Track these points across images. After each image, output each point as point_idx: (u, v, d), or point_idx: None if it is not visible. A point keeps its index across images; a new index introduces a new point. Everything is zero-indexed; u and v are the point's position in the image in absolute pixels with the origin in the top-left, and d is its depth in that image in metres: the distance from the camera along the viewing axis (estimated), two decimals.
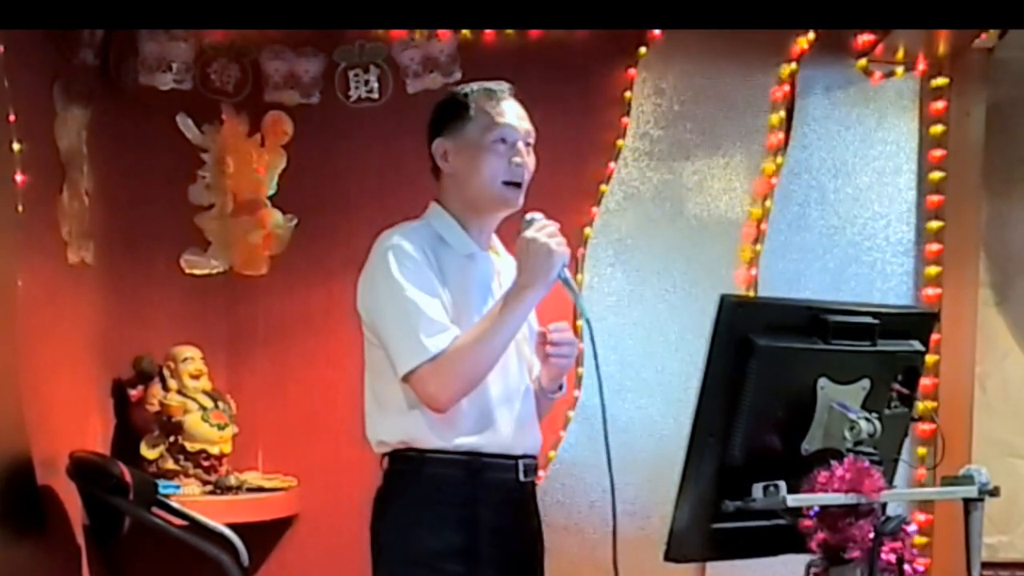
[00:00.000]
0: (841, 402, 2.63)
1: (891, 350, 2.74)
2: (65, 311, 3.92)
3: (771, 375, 2.56)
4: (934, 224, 4.63)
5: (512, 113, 2.99)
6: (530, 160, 3.00)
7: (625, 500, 4.36)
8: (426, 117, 3.09)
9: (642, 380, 4.61)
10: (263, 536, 4.46)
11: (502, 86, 3.03)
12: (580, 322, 4.46)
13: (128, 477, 3.62)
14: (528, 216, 2.91)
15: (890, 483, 2.70)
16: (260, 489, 4.47)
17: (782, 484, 2.50)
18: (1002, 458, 4.60)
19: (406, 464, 2.97)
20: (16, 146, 3.45)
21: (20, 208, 3.46)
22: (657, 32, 4.58)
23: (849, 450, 2.58)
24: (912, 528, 2.61)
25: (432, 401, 2.86)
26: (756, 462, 2.58)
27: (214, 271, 4.70)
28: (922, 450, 4.44)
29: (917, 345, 2.81)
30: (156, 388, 4.38)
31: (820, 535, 2.54)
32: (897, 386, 2.75)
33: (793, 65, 4.62)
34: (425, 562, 2.92)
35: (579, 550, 4.26)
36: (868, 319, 2.69)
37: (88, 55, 4.16)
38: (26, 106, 3.53)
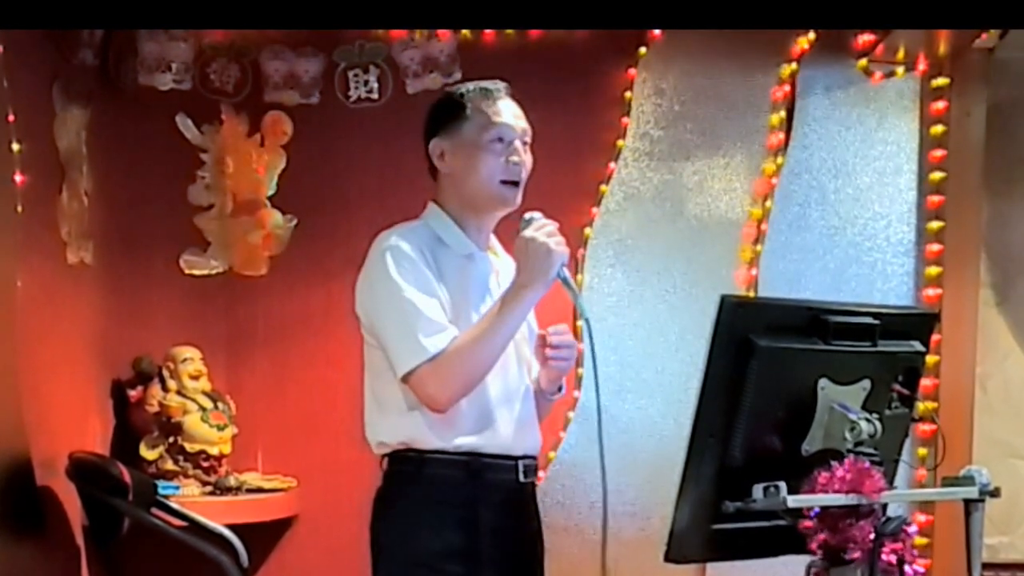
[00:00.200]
0: (842, 403, 2.63)
1: (892, 351, 2.74)
2: (64, 311, 3.92)
3: (771, 376, 2.56)
4: (935, 224, 4.63)
5: (508, 112, 2.99)
6: (527, 158, 3.00)
7: (625, 501, 4.40)
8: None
9: (642, 381, 4.61)
10: (263, 537, 4.46)
11: (498, 85, 3.03)
12: (580, 322, 4.47)
13: (127, 478, 3.62)
14: (527, 215, 2.91)
15: (891, 484, 2.70)
16: (260, 490, 4.46)
17: (782, 485, 2.50)
18: (1003, 459, 4.59)
19: (406, 465, 2.96)
20: (15, 146, 3.45)
21: (19, 208, 3.46)
22: (657, 32, 4.58)
23: (849, 451, 2.58)
24: (913, 529, 2.61)
25: (431, 401, 2.86)
26: (756, 463, 2.58)
27: (213, 271, 4.70)
28: (923, 451, 4.45)
29: (918, 346, 2.81)
30: (155, 389, 4.38)
31: (820, 536, 2.54)
32: (898, 387, 2.75)
33: (793, 65, 4.61)
34: (425, 563, 2.91)
35: (579, 551, 4.25)
36: (869, 319, 2.69)
37: (87, 55, 4.16)
38: (25, 106, 3.52)
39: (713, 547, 2.66)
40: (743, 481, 2.54)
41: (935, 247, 4.63)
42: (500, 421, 2.97)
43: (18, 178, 3.47)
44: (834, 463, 2.56)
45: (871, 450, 2.59)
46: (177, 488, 4.24)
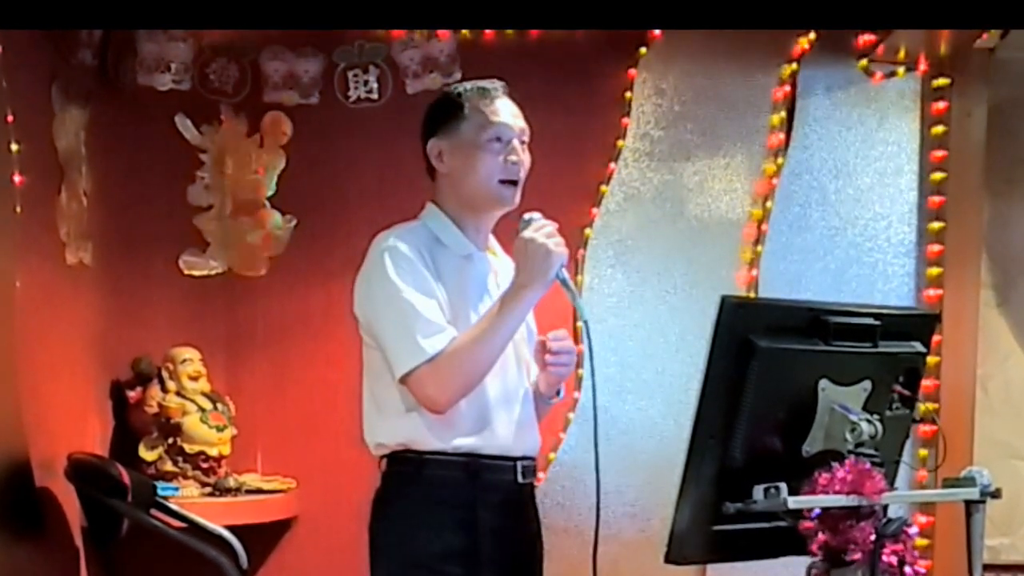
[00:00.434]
0: (842, 404, 2.62)
1: (892, 351, 2.73)
2: (63, 312, 3.92)
3: (772, 376, 2.56)
4: (935, 225, 4.63)
5: (506, 111, 2.98)
6: (525, 158, 2.99)
7: (626, 502, 4.39)
8: None
9: (642, 381, 4.60)
10: (262, 538, 4.45)
11: (495, 84, 3.02)
12: (579, 323, 4.46)
13: (126, 479, 3.62)
14: (526, 216, 2.90)
15: (891, 485, 2.70)
16: (259, 491, 4.46)
17: (783, 486, 2.50)
18: (1004, 460, 4.58)
19: (404, 466, 2.96)
20: (14, 146, 3.45)
21: (18, 209, 3.46)
22: (657, 32, 4.57)
23: (850, 452, 2.58)
24: (913, 530, 2.61)
25: (430, 403, 2.85)
26: (757, 464, 2.58)
27: (213, 272, 4.69)
28: (923, 452, 4.45)
29: (918, 346, 2.81)
30: (155, 390, 4.37)
31: (821, 537, 2.54)
32: (898, 387, 2.75)
33: (794, 65, 4.61)
34: (424, 564, 2.91)
35: (579, 552, 4.18)
36: (869, 320, 2.69)
37: (86, 55, 4.15)
38: (24, 106, 3.52)
39: (713, 548, 2.66)
40: (743, 482, 2.54)
41: (936, 248, 4.62)
42: (498, 422, 2.96)
43: (17, 178, 3.46)
44: (835, 464, 2.55)
45: (872, 451, 2.59)
46: (176, 489, 4.23)
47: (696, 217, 4.67)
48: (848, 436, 2.58)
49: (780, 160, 4.62)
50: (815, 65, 4.63)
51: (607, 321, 4.56)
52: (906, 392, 2.76)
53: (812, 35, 4.54)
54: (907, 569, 2.55)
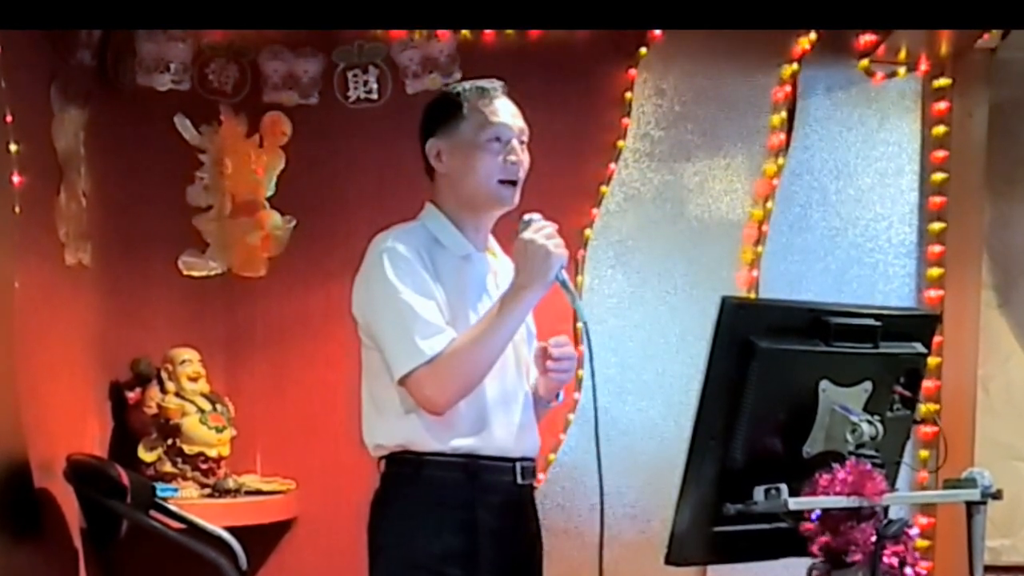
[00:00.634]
0: (843, 404, 2.62)
1: (893, 352, 2.73)
2: (62, 313, 3.91)
3: (772, 377, 2.56)
4: (936, 226, 4.62)
5: (506, 111, 2.98)
6: (525, 158, 2.99)
7: (626, 503, 4.39)
8: None
9: (643, 382, 4.60)
10: (261, 539, 4.44)
11: (495, 84, 3.02)
12: (579, 324, 4.46)
13: (126, 480, 3.62)
14: (526, 217, 2.90)
15: (892, 486, 2.70)
16: (258, 492, 4.45)
17: (783, 487, 2.50)
18: (1005, 461, 4.57)
19: (403, 467, 2.95)
20: (13, 147, 3.44)
21: (17, 209, 3.45)
22: (658, 32, 4.57)
23: (851, 453, 2.58)
24: (914, 531, 2.60)
25: (429, 404, 2.85)
26: (757, 465, 2.58)
27: (212, 273, 4.68)
28: (924, 453, 4.45)
29: (919, 347, 2.81)
30: (154, 390, 4.36)
31: (822, 538, 2.54)
32: (899, 388, 2.75)
33: (794, 66, 4.61)
34: (423, 565, 2.90)
35: (579, 554, 4.22)
36: (870, 321, 2.69)
37: (85, 55, 4.15)
38: (23, 107, 3.52)
39: (714, 549, 2.66)
40: (744, 483, 2.54)
41: (937, 248, 4.62)
42: (497, 423, 2.96)
43: (16, 179, 3.45)
44: (835, 465, 2.55)
45: (872, 452, 2.59)
46: (175, 490, 4.22)
47: (696, 218, 4.67)
48: (849, 437, 2.58)
49: (781, 160, 4.61)
50: (816, 65, 4.63)
51: (607, 322, 4.55)
52: (907, 393, 2.76)
53: (813, 35, 4.54)
54: (908, 570, 2.55)
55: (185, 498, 4.20)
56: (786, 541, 2.62)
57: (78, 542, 3.78)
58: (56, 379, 3.80)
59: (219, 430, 4.38)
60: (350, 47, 4.65)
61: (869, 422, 2.59)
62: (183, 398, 4.36)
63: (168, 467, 4.33)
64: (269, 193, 4.69)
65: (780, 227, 4.63)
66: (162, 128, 4.56)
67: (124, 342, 4.42)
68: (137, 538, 3.64)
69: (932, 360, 4.09)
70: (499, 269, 3.05)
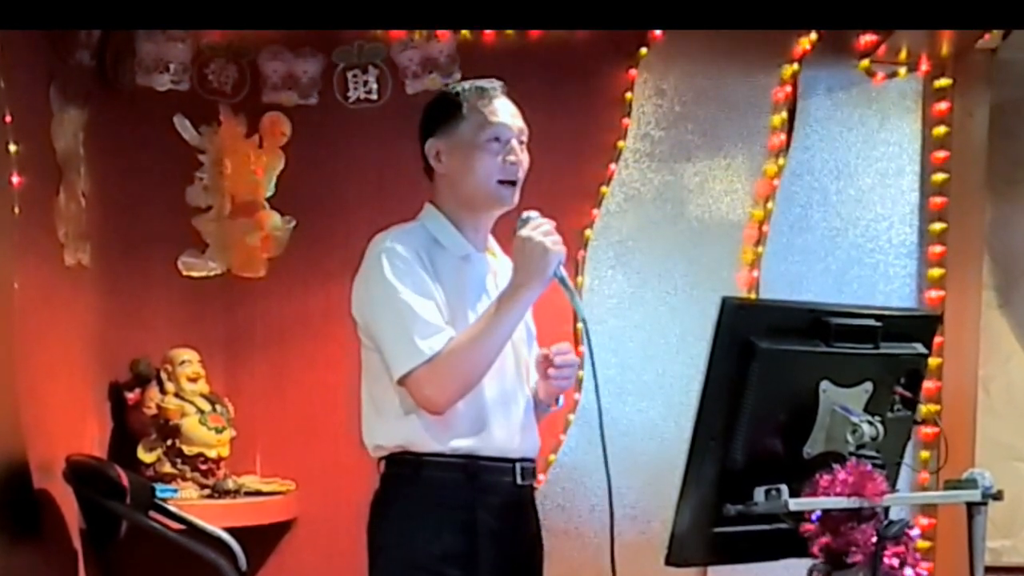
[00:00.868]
0: (843, 405, 2.62)
1: (894, 353, 2.73)
2: (62, 314, 3.91)
3: (773, 378, 2.56)
4: (937, 226, 4.62)
5: (505, 111, 2.97)
6: (524, 158, 2.99)
7: (626, 504, 4.38)
8: None
9: (643, 383, 4.60)
10: (261, 540, 4.44)
11: (494, 84, 3.02)
12: (580, 324, 4.45)
13: (125, 481, 3.62)
14: (524, 215, 2.90)
15: (893, 487, 2.69)
16: (258, 493, 4.44)
17: (784, 488, 2.50)
18: (1006, 461, 4.57)
19: (403, 468, 2.95)
20: (12, 147, 3.44)
21: (16, 210, 3.45)
22: (658, 32, 4.57)
23: (851, 453, 2.58)
24: (915, 532, 2.60)
25: (429, 403, 2.84)
26: (758, 465, 2.57)
27: (212, 273, 4.68)
28: (925, 454, 4.44)
29: (920, 348, 2.80)
30: (153, 391, 4.36)
31: (822, 539, 2.54)
32: (900, 389, 2.75)
33: (795, 66, 4.60)
34: (423, 566, 2.90)
35: (579, 555, 4.24)
36: (870, 321, 2.68)
37: (85, 56, 4.15)
38: (22, 107, 3.51)
39: (714, 550, 2.66)
40: (744, 484, 2.54)
41: (937, 249, 4.62)
42: (497, 423, 2.95)
43: (15, 179, 3.45)
44: (836, 466, 2.55)
45: (873, 453, 2.59)
46: (175, 491, 4.21)
47: (697, 218, 4.66)
48: (849, 438, 2.58)
49: (781, 161, 4.61)
50: (816, 66, 4.63)
51: (607, 322, 4.55)
52: (907, 394, 2.76)
53: (813, 35, 4.54)
54: (908, 571, 2.54)
55: (185, 499, 4.19)
56: (786, 542, 2.62)
57: (77, 543, 3.78)
58: (55, 380, 3.80)
59: (219, 431, 4.37)
60: (350, 47, 4.64)
61: (870, 423, 2.59)
62: (183, 399, 4.35)
63: (167, 468, 4.32)
64: (269, 194, 4.69)
65: (780, 227, 4.63)
66: (161, 128, 4.55)
67: (123, 343, 4.42)
68: (136, 539, 3.64)
69: (933, 361, 4.09)
70: (499, 269, 3.05)
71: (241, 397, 4.58)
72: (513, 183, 2.96)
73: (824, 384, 2.61)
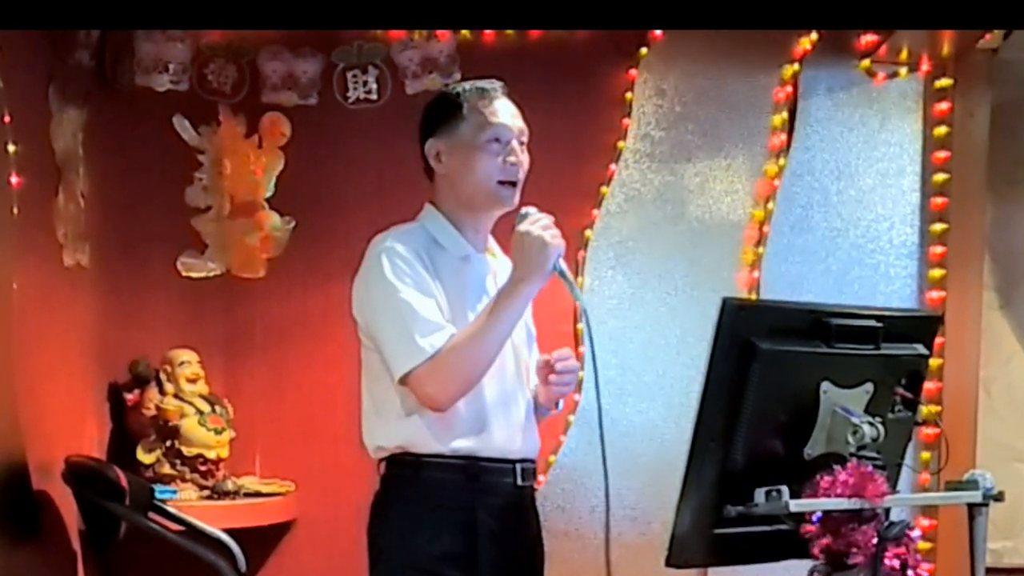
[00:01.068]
0: (844, 406, 2.62)
1: (895, 354, 2.73)
2: (61, 314, 3.90)
3: (773, 379, 2.55)
4: (938, 226, 4.61)
5: (506, 112, 2.97)
6: (524, 159, 2.98)
7: (626, 505, 4.38)
8: None
9: (643, 384, 4.59)
10: (260, 541, 4.43)
11: (494, 84, 3.01)
12: (580, 325, 4.45)
13: (124, 482, 3.61)
14: (522, 210, 2.90)
15: (893, 488, 2.70)
16: (257, 494, 4.44)
17: (784, 489, 2.50)
18: (1007, 462, 4.57)
19: (403, 469, 2.95)
20: (11, 148, 3.44)
21: (15, 210, 3.45)
22: (658, 32, 4.56)
23: (852, 454, 2.58)
24: (916, 533, 2.60)
25: (431, 401, 2.84)
26: (758, 466, 2.57)
27: (211, 274, 4.67)
28: (926, 455, 4.44)
29: (921, 349, 2.80)
30: (152, 392, 4.35)
31: (823, 540, 2.54)
32: (901, 390, 2.75)
33: (796, 66, 4.60)
34: (423, 567, 2.89)
35: (579, 556, 4.23)
36: (871, 322, 2.68)
37: (84, 56, 4.14)
38: (21, 107, 3.51)
39: (715, 551, 2.66)
40: (745, 485, 2.54)
41: (938, 249, 4.61)
42: (497, 424, 2.95)
43: (14, 180, 3.45)
44: (836, 467, 2.55)
45: (874, 454, 2.59)
46: (174, 492, 4.21)
47: (697, 218, 4.66)
48: (850, 439, 2.58)
49: (782, 161, 4.61)
50: (817, 66, 4.62)
51: (607, 323, 4.54)
52: (908, 394, 2.76)
53: (814, 35, 4.53)
54: (909, 573, 2.54)
55: (184, 500, 4.18)
56: (787, 543, 2.61)
57: (76, 544, 3.77)
58: (54, 380, 3.79)
59: (218, 432, 4.37)
60: (349, 47, 4.63)
61: (870, 424, 2.58)
62: (182, 399, 4.35)
63: (167, 469, 4.31)
64: (268, 194, 4.68)
65: (781, 228, 4.62)
66: (161, 129, 4.54)
67: (123, 343, 4.41)
68: (136, 540, 3.63)
69: (933, 361, 4.09)
70: (498, 270, 3.04)
71: (240, 398, 4.58)
72: (513, 184, 2.95)
73: (825, 385, 2.61)
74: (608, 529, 2.83)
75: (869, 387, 2.67)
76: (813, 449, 2.62)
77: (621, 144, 4.62)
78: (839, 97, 4.66)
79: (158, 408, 4.32)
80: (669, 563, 2.58)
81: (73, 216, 4.00)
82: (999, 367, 4.73)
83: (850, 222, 4.67)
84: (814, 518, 2.53)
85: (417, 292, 2.85)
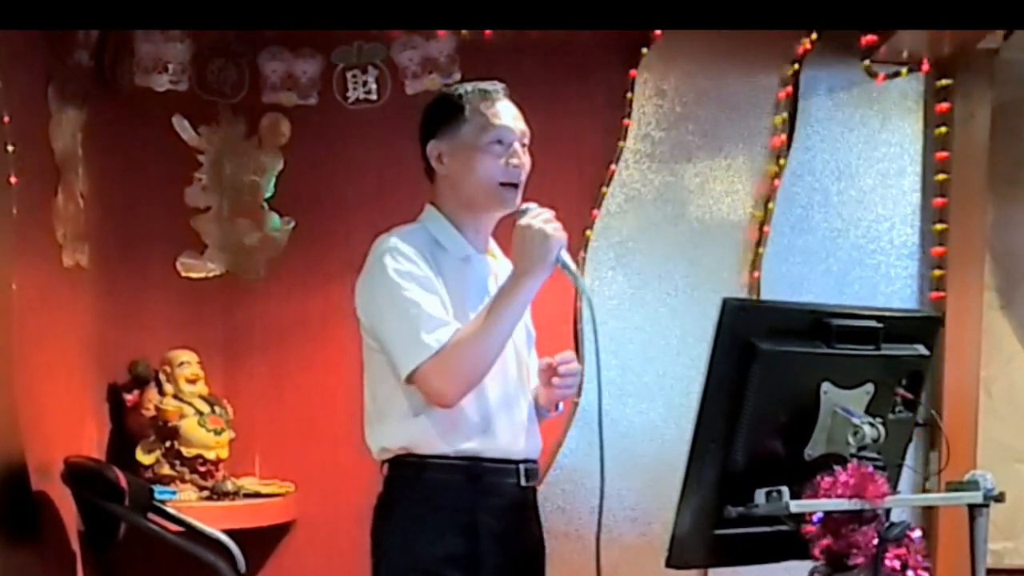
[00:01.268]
0: (845, 407, 2.62)
1: (895, 354, 2.73)
2: (60, 315, 3.90)
3: (774, 379, 2.55)
4: (938, 227, 4.61)
5: (508, 114, 2.97)
6: (526, 160, 2.98)
7: (626, 506, 4.37)
8: None
9: (643, 384, 4.58)
10: (260, 542, 4.43)
11: (496, 86, 3.01)
12: (580, 326, 4.45)
13: (124, 483, 3.61)
14: (523, 207, 2.90)
15: (894, 489, 2.70)
16: (257, 495, 4.44)
17: (785, 490, 2.50)
18: (1007, 463, 4.56)
19: (406, 470, 2.94)
20: (10, 148, 3.43)
21: (14, 211, 3.45)
22: (659, 32, 4.55)
23: (853, 455, 2.58)
24: (917, 534, 2.59)
25: (438, 397, 2.83)
26: (759, 467, 2.57)
27: (211, 274, 4.67)
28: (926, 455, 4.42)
29: (921, 349, 2.80)
30: (152, 393, 4.35)
31: (823, 541, 2.54)
32: (901, 390, 2.75)
33: (796, 66, 4.59)
34: (427, 568, 2.89)
35: (579, 556, 4.18)
36: (872, 323, 2.68)
37: (83, 56, 4.14)
38: (21, 107, 3.51)
39: (715, 552, 2.66)
40: (745, 486, 2.54)
41: (939, 249, 4.61)
42: (501, 425, 2.95)
43: (13, 180, 3.44)
44: (837, 468, 2.55)
45: (874, 454, 2.59)
46: (174, 493, 4.21)
47: (697, 219, 4.65)
48: (851, 439, 2.58)
49: (782, 161, 4.60)
50: (817, 66, 4.61)
51: (607, 323, 4.52)
52: (909, 395, 2.76)
53: (814, 35, 4.52)
54: (910, 573, 2.54)
55: (183, 501, 4.19)
56: (787, 544, 2.62)
57: (76, 545, 3.77)
58: (54, 381, 3.79)
59: (217, 432, 4.37)
60: (349, 47, 4.63)
61: (871, 424, 2.59)
62: (181, 400, 4.35)
63: (166, 469, 4.31)
64: (268, 194, 4.68)
65: (781, 228, 4.61)
66: (160, 129, 4.55)
67: (122, 344, 4.41)
68: (135, 541, 3.63)
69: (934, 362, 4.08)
70: (499, 271, 3.04)
71: (240, 398, 4.58)
72: (515, 186, 2.95)
73: (825, 385, 2.61)
74: (599, 528, 2.82)
75: (870, 388, 2.67)
76: (814, 450, 2.62)
77: (621, 144, 4.61)
78: (839, 97, 4.65)
79: (157, 409, 4.32)
80: (669, 564, 2.58)
81: (72, 216, 3.99)
82: (1000, 367, 4.72)
83: (851, 222, 4.66)
84: (815, 519, 2.53)
85: (421, 290, 2.85)
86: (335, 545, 4.41)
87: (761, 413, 2.55)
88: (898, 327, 2.76)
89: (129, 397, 4.37)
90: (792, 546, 2.60)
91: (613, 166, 4.61)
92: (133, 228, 4.49)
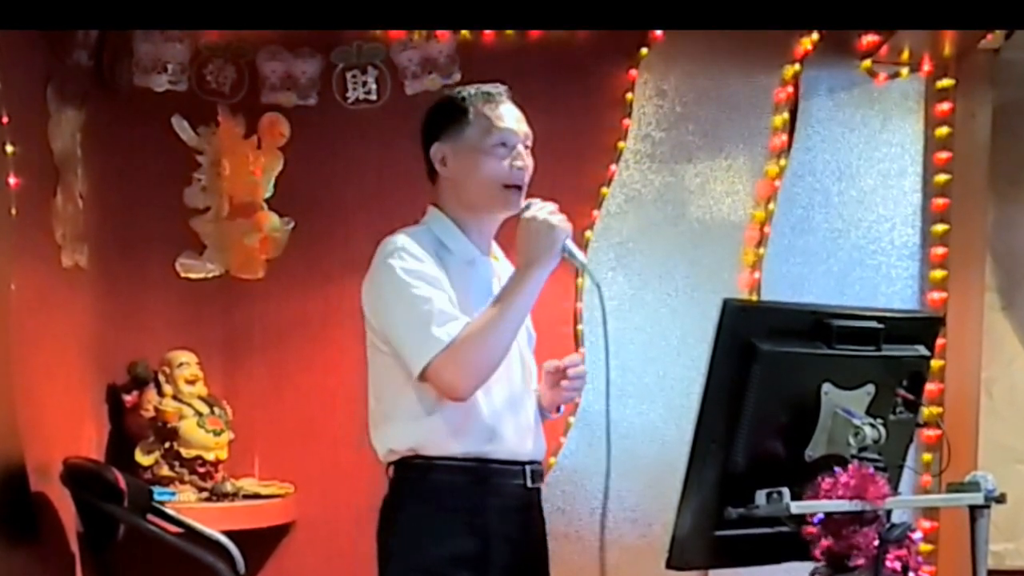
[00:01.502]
0: (845, 408, 2.62)
1: (896, 355, 2.73)
2: (59, 316, 3.90)
3: (774, 380, 2.55)
4: (939, 227, 4.61)
5: (511, 116, 2.98)
6: (529, 162, 2.99)
7: (626, 507, 4.37)
8: None
9: (644, 385, 4.57)
10: (259, 543, 4.43)
11: (499, 89, 3.02)
12: (580, 327, 4.45)
13: (123, 484, 3.60)
14: (525, 202, 2.92)
15: (895, 490, 2.70)
16: (256, 496, 4.43)
17: (786, 491, 2.50)
18: (1008, 464, 4.56)
19: (412, 472, 2.94)
20: (9, 148, 3.43)
21: (13, 211, 3.44)
22: (659, 33, 4.55)
23: (854, 456, 2.58)
24: (917, 535, 2.61)
25: (451, 391, 2.83)
26: (759, 468, 2.57)
27: (210, 275, 4.66)
28: (927, 456, 4.44)
29: (922, 350, 2.80)
30: (151, 393, 4.34)
31: (824, 542, 2.54)
32: (902, 391, 2.75)
33: (797, 66, 4.59)
34: (435, 570, 2.90)
35: (579, 558, 4.20)
36: (873, 323, 2.68)
37: (82, 56, 4.13)
38: (19, 108, 3.50)
39: (715, 554, 2.66)
40: (746, 487, 2.53)
41: (940, 250, 4.61)
42: (507, 426, 2.95)
43: (12, 180, 3.44)
44: (838, 469, 2.55)
45: (875, 455, 2.59)
46: (173, 494, 4.21)
47: (698, 219, 4.65)
48: (851, 440, 2.58)
49: (783, 162, 4.60)
50: (818, 66, 4.62)
51: (607, 324, 4.51)
52: (910, 396, 2.76)
53: (815, 36, 4.52)
54: (911, 575, 2.53)
55: (183, 502, 4.19)
56: (788, 545, 2.61)
57: (75, 546, 3.77)
58: (53, 382, 3.78)
59: (217, 433, 4.36)
60: (349, 48, 4.62)
61: (872, 425, 2.58)
62: (180, 401, 4.34)
63: (165, 470, 4.31)
64: (267, 195, 4.67)
65: (782, 229, 4.61)
66: (159, 129, 4.53)
67: (121, 345, 4.41)
68: (134, 542, 3.62)
69: (935, 363, 4.08)
70: (503, 274, 3.04)
71: (239, 399, 4.57)
72: (519, 187, 2.96)
73: (826, 386, 2.61)
74: (603, 530, 2.82)
75: (870, 388, 2.66)
76: (814, 451, 2.61)
77: (621, 145, 4.61)
78: (840, 97, 4.65)
79: (157, 410, 4.32)
80: (670, 565, 2.58)
81: (71, 217, 3.99)
82: (1001, 368, 4.72)
83: (851, 223, 4.66)
84: (815, 520, 2.53)
85: (430, 287, 2.85)
86: (335, 546, 4.41)
87: (762, 414, 2.55)
88: (899, 328, 2.76)
89: (128, 398, 4.37)
90: (793, 547, 2.60)
91: (613, 166, 4.61)
92: (132, 229, 4.48)
